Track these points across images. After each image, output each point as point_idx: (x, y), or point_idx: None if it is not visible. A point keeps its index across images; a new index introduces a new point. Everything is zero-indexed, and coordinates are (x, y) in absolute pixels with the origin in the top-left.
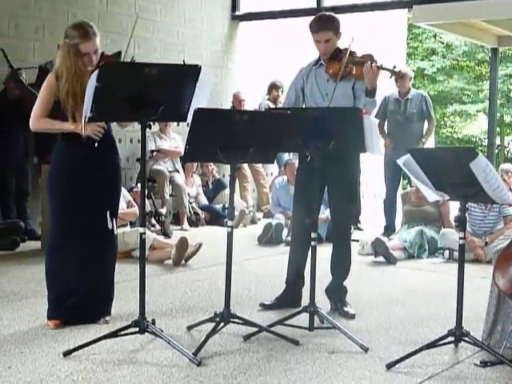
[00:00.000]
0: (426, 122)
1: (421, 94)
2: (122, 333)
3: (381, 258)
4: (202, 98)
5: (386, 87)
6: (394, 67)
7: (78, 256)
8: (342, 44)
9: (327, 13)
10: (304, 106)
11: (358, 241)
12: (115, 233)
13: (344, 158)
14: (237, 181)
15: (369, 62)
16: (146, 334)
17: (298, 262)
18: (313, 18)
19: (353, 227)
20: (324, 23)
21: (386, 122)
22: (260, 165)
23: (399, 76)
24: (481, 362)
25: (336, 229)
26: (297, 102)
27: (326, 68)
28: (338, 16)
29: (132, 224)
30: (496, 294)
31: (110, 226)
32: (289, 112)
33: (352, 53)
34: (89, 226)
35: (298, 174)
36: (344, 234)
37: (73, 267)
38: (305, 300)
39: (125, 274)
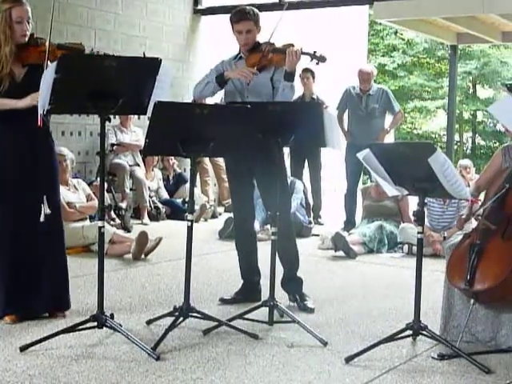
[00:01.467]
0: (387, 116)
1: (382, 89)
2: (80, 327)
3: (341, 253)
4: (162, 91)
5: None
6: (315, 52)
7: (21, 248)
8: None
9: (248, 6)
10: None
11: (318, 235)
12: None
13: (269, 150)
14: (198, 175)
15: (291, 47)
16: (105, 328)
17: (247, 258)
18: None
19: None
20: (245, 14)
21: (347, 117)
22: (221, 159)
23: (320, 60)
24: (438, 356)
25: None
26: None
27: (246, 60)
28: (300, 10)
29: (92, 218)
30: (450, 289)
31: (42, 219)
32: (248, 106)
33: (272, 44)
34: (25, 217)
35: (228, 173)
36: (285, 224)
37: (18, 261)
38: (265, 294)
39: (84, 269)
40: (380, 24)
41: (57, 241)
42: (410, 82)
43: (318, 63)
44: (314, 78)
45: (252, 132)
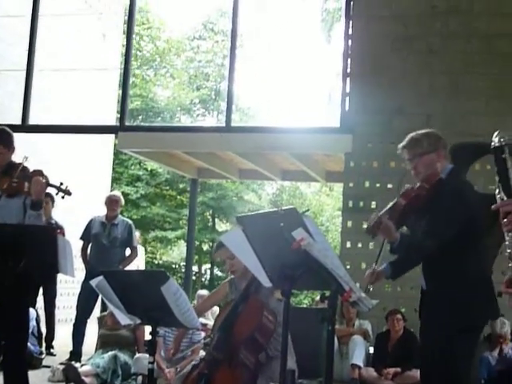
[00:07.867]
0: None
1: (127, 222)
2: None
3: None
4: None
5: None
6: (61, 184)
7: None
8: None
9: (1, 127)
10: None
11: (49, 367)
12: None
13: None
14: None
15: (38, 176)
16: None
17: None
18: None
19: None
20: None
21: (90, 245)
22: None
23: (66, 193)
24: None
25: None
26: None
27: None
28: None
29: None
30: None
31: None
32: None
33: (24, 168)
34: None
35: None
36: (16, 362)
37: None
38: None
39: None
40: (125, 154)
41: None
42: (152, 213)
43: (63, 197)
44: (53, 202)
45: None
